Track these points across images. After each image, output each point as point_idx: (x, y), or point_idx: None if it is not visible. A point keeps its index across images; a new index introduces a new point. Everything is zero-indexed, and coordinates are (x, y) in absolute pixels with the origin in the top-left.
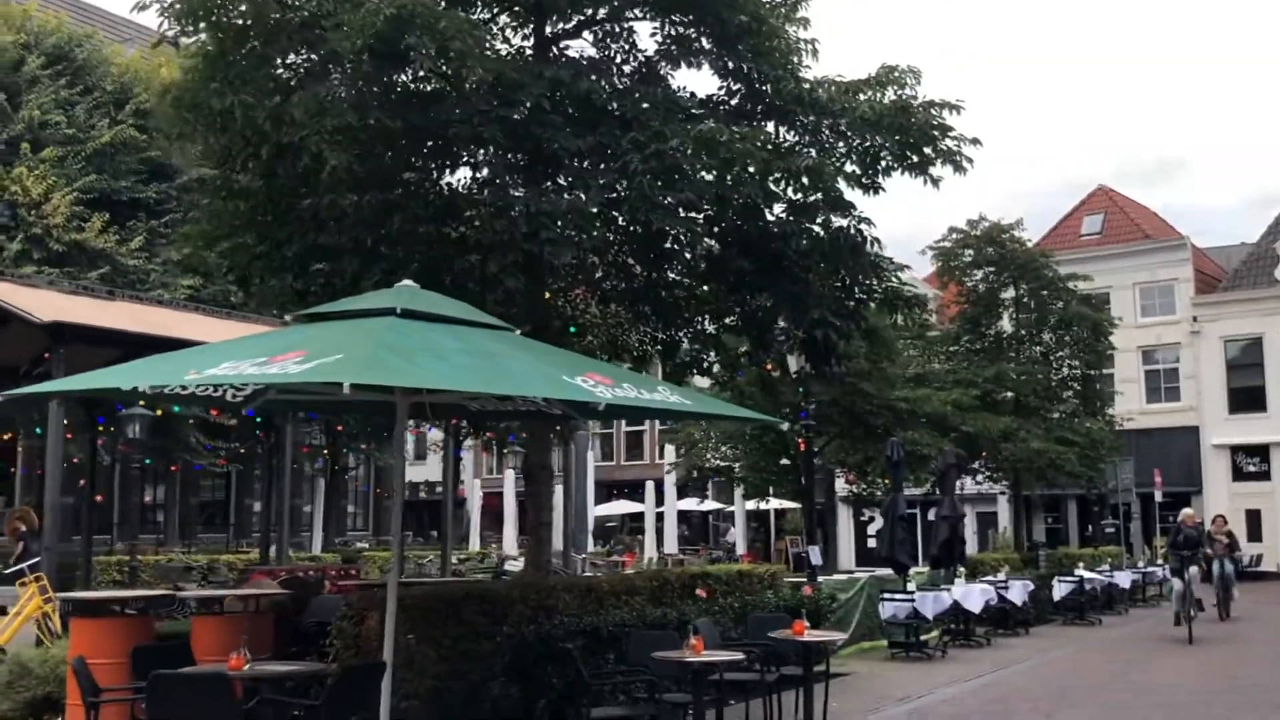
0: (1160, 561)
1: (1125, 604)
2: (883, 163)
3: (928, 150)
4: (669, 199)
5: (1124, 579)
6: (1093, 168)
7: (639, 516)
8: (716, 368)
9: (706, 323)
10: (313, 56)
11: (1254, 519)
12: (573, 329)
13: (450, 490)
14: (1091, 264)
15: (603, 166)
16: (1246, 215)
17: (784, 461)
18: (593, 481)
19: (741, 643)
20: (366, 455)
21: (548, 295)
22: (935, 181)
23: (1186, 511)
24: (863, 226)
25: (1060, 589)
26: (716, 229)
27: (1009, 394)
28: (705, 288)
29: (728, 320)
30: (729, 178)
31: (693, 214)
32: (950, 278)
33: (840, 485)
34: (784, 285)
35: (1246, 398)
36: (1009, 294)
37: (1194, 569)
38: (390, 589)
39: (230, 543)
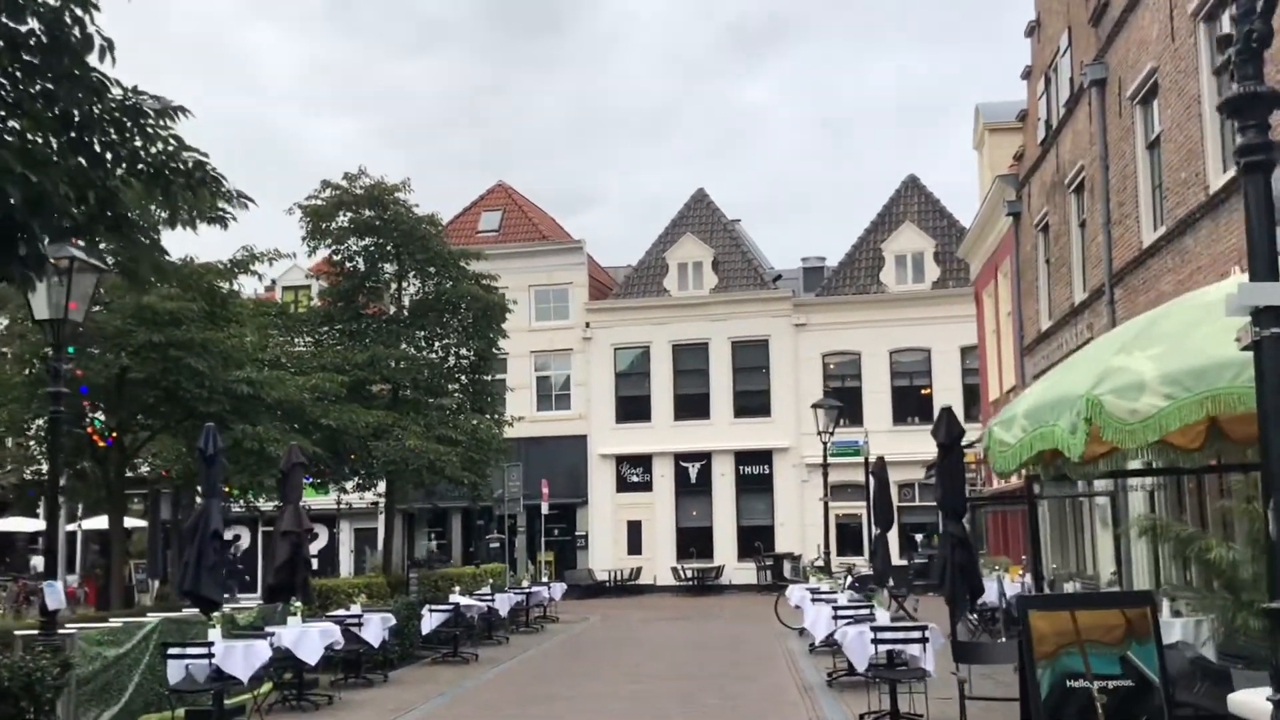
0: (545, 580)
1: (507, 631)
2: None
3: None
4: None
5: (504, 603)
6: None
7: None
8: None
9: None
10: None
11: (635, 530)
12: None
13: None
14: (489, 262)
15: None
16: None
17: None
18: None
19: None
20: None
21: None
22: None
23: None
24: (85, 15)
25: (432, 619)
26: None
27: (386, 385)
28: None
29: None
30: None
31: None
32: (321, 241)
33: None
34: None
35: (632, 407)
36: (392, 267)
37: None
38: None
39: None
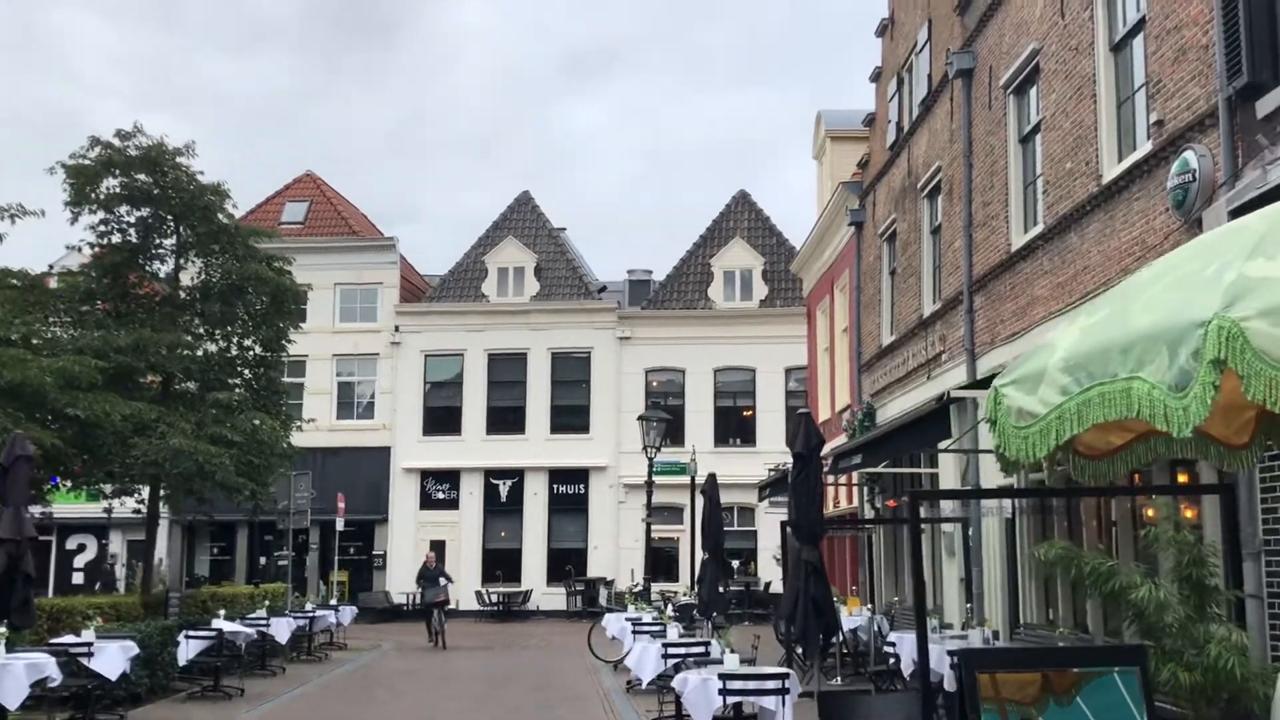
0: (334, 602)
1: (284, 660)
2: None
3: None
4: None
5: (282, 629)
6: None
7: None
8: None
9: None
10: None
11: (439, 550)
12: None
13: None
14: (297, 256)
15: None
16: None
17: None
18: None
19: None
20: None
21: None
22: None
23: None
24: None
25: (190, 647)
26: None
27: (157, 375)
28: None
29: None
30: None
31: None
32: (85, 207)
33: None
34: None
35: (442, 419)
36: (170, 241)
37: None
38: None
39: None
